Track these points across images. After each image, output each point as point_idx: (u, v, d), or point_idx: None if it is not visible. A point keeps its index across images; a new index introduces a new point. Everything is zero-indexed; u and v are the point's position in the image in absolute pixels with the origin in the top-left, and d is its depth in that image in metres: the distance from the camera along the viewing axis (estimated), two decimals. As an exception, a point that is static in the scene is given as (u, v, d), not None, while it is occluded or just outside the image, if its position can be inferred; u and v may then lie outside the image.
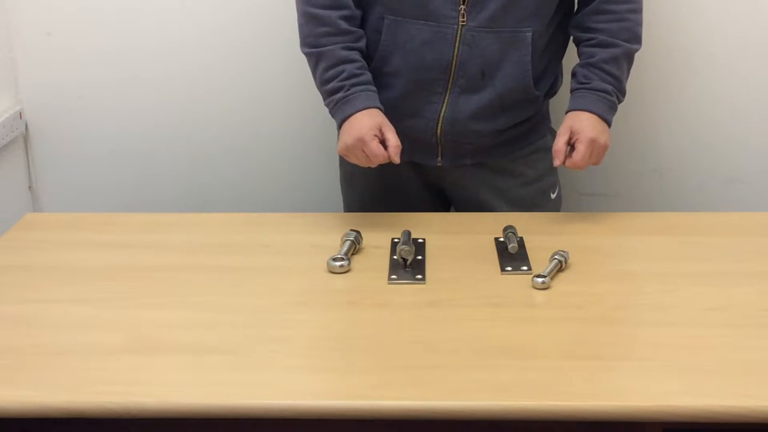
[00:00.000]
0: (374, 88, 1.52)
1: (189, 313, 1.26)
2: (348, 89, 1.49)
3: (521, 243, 1.43)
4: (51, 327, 1.23)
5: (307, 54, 1.55)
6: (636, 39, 1.55)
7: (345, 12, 1.52)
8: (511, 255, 1.40)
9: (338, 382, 1.11)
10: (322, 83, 1.53)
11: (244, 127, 2.06)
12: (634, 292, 1.30)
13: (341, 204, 1.81)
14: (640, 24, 1.56)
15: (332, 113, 1.53)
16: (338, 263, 1.37)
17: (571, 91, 1.55)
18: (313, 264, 1.39)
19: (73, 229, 1.57)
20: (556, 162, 1.48)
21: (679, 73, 1.97)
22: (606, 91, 1.51)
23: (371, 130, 1.46)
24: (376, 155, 1.45)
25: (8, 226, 1.57)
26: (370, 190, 1.70)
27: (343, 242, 1.42)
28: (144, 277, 1.37)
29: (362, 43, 1.54)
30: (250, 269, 1.39)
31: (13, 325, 1.23)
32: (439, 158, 1.61)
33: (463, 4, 1.47)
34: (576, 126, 1.49)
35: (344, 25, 1.51)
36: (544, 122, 1.69)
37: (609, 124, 1.52)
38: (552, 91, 1.65)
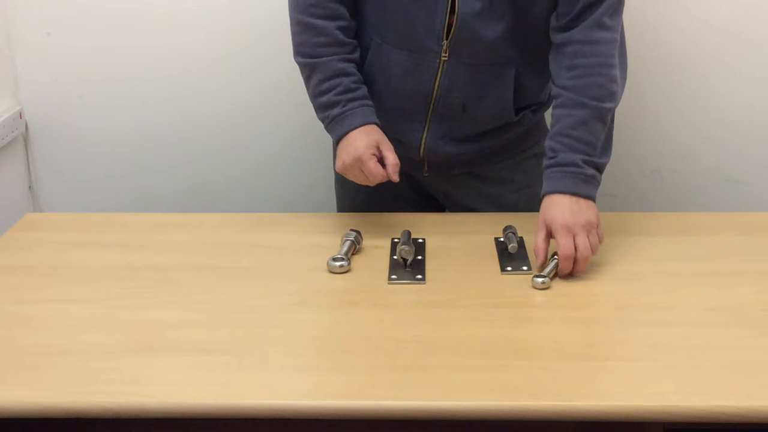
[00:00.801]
0: (371, 103, 1.48)
1: (189, 313, 1.26)
2: (344, 105, 1.46)
3: (521, 243, 1.43)
4: (51, 327, 1.23)
5: (300, 64, 1.51)
6: (609, 96, 1.40)
7: (342, 23, 1.48)
8: (511, 255, 1.40)
9: (338, 382, 1.11)
10: (316, 95, 1.49)
11: (244, 127, 2.06)
12: (634, 292, 1.30)
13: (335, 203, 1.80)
14: (614, 80, 1.41)
15: (328, 129, 1.49)
16: (338, 263, 1.37)
17: (543, 170, 1.42)
18: (313, 264, 1.39)
19: (73, 229, 1.57)
20: (538, 262, 1.35)
21: (679, 73, 1.97)
22: (574, 164, 1.37)
23: (369, 149, 1.42)
24: (374, 174, 1.42)
25: (8, 226, 1.57)
26: (362, 195, 1.69)
27: (343, 242, 1.42)
28: (144, 277, 1.37)
29: (357, 55, 1.51)
30: (250, 269, 1.39)
31: (13, 325, 1.23)
32: (426, 169, 1.61)
33: (446, 40, 1.45)
34: (548, 217, 1.36)
35: (341, 36, 1.48)
36: (536, 130, 1.64)
37: (589, 197, 1.37)
38: (541, 111, 1.62)
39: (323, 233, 1.49)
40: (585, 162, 1.38)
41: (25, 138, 2.06)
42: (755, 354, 1.13)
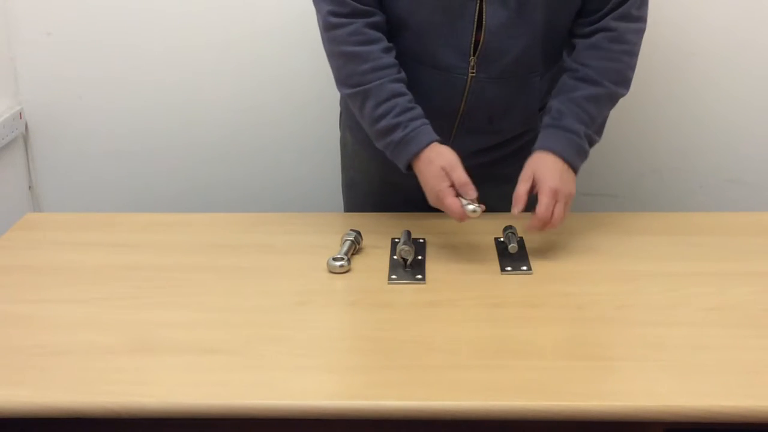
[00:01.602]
0: (428, 121, 1.42)
1: (189, 313, 1.26)
2: (406, 126, 1.39)
3: (521, 243, 1.43)
4: (51, 327, 1.23)
5: (350, 95, 1.44)
6: (624, 83, 1.45)
7: (383, 44, 1.44)
8: (511, 255, 1.40)
9: (338, 382, 1.11)
10: (373, 122, 1.42)
11: (244, 126, 2.06)
12: (634, 292, 1.30)
13: (342, 207, 1.80)
14: (632, 68, 1.46)
15: (393, 155, 1.42)
16: (338, 263, 1.37)
17: (542, 127, 1.44)
18: (313, 264, 1.39)
19: (73, 229, 1.57)
20: (515, 210, 1.36)
21: (679, 73, 1.97)
22: (576, 132, 1.40)
23: (441, 181, 1.36)
24: (454, 212, 1.35)
25: (8, 226, 1.57)
26: (371, 197, 1.69)
27: (343, 242, 1.42)
28: (144, 277, 1.37)
29: (404, 74, 1.44)
30: (250, 269, 1.39)
31: (13, 325, 1.23)
32: None
33: (473, 56, 1.43)
34: (538, 173, 1.37)
35: (387, 58, 1.43)
36: None
37: (576, 170, 1.40)
38: None
39: (323, 233, 1.49)
40: (586, 135, 1.40)
41: (25, 138, 2.07)
42: (755, 354, 1.13)
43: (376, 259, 1.41)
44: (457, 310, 1.26)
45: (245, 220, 1.59)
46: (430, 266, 1.39)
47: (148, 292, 1.32)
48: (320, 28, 1.45)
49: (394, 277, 1.35)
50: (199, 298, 1.30)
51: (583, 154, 1.42)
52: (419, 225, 1.51)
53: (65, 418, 1.06)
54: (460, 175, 1.37)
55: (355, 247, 1.43)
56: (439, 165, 1.37)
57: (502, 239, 1.45)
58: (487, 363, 1.12)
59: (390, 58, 1.44)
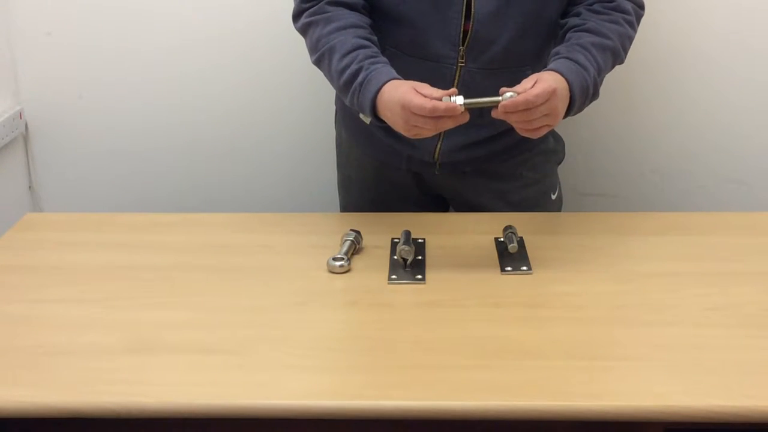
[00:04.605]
0: (393, 70, 1.35)
1: (189, 313, 1.26)
2: (367, 68, 1.33)
3: (521, 243, 1.43)
4: (51, 327, 1.23)
5: (319, 57, 1.40)
6: (623, 47, 1.43)
7: (350, 10, 1.42)
8: (511, 255, 1.40)
9: (338, 382, 1.11)
10: (338, 75, 1.35)
11: (244, 127, 2.06)
12: (634, 292, 1.30)
13: (337, 205, 1.80)
14: (630, 38, 1.44)
15: (358, 103, 1.35)
16: (338, 263, 1.37)
17: (553, 59, 1.38)
18: (313, 264, 1.39)
19: (73, 229, 1.57)
20: (505, 91, 1.27)
21: (679, 73, 1.97)
22: (587, 69, 1.34)
23: (406, 93, 1.26)
24: (424, 107, 1.24)
25: (8, 226, 1.57)
26: (367, 195, 1.69)
27: (343, 242, 1.42)
28: (144, 277, 1.37)
29: (375, 38, 1.40)
30: (250, 269, 1.39)
31: (14, 325, 1.23)
32: (437, 168, 1.60)
33: (463, 45, 1.43)
34: (543, 76, 1.29)
35: (354, 17, 1.40)
36: None
37: (573, 104, 1.33)
38: None
39: (323, 233, 1.49)
40: (593, 79, 1.36)
41: (25, 138, 2.07)
42: (755, 354, 1.13)
43: (376, 259, 1.41)
44: (457, 310, 1.26)
45: (245, 220, 1.59)
46: (430, 266, 1.39)
47: (148, 292, 1.32)
48: (292, 15, 1.46)
49: (394, 277, 1.35)
50: (199, 298, 1.30)
51: (585, 94, 1.35)
52: (419, 225, 1.51)
53: (65, 418, 1.06)
54: (432, 89, 1.28)
55: (355, 247, 1.43)
56: (410, 85, 1.28)
57: (502, 239, 1.45)
58: (487, 363, 1.12)
59: (357, 19, 1.40)
